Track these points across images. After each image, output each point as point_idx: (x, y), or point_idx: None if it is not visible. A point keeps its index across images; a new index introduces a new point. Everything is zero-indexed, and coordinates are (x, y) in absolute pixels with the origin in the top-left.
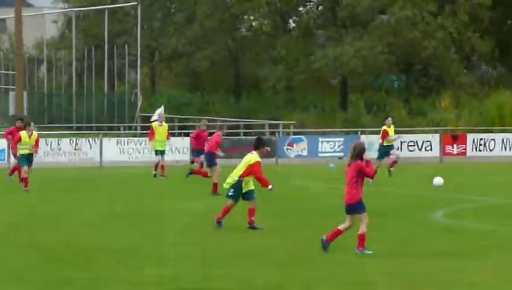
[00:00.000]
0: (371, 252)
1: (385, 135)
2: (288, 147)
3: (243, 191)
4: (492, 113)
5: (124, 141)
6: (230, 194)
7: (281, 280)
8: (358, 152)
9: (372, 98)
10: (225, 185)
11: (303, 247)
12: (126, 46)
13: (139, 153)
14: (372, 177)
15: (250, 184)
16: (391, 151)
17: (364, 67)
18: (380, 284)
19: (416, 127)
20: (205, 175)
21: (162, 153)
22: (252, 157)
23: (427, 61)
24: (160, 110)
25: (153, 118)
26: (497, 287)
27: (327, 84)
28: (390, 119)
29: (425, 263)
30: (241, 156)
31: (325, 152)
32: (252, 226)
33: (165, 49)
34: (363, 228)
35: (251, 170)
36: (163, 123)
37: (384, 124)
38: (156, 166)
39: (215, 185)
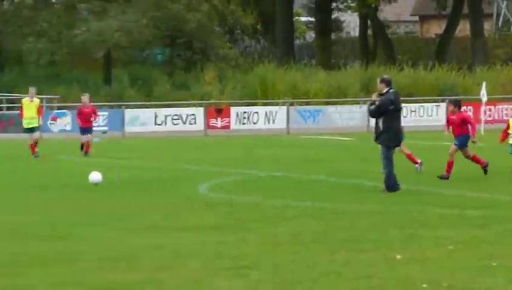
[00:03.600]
0: None
1: None
2: (52, 122)
3: None
4: (256, 87)
5: None
6: None
7: (42, 254)
8: None
9: (136, 72)
10: None
11: (65, 221)
12: None
13: None
14: None
15: None
16: None
17: (129, 41)
18: (145, 258)
19: (181, 101)
20: None
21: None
22: None
23: (191, 34)
24: None
25: None
26: (259, 256)
27: (92, 59)
28: None
29: (190, 236)
30: (3, 132)
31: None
32: None
33: None
34: None
35: None
36: (34, 98)
37: None
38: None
39: None
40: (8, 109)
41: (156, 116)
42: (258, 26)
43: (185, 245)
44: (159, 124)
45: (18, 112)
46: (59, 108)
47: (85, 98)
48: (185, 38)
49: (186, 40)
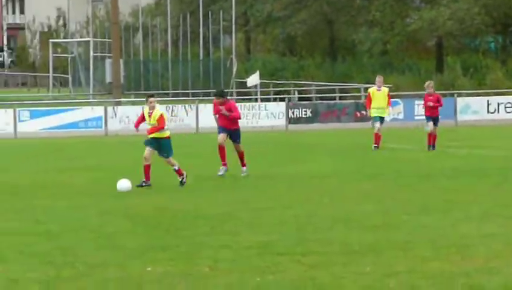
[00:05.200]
0: None
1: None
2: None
3: None
4: None
5: None
6: None
7: (375, 244)
8: None
9: (468, 60)
10: None
11: (398, 210)
12: (221, 12)
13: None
14: None
15: None
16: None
17: (460, 29)
18: (478, 246)
19: None
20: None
21: (380, 119)
22: None
23: None
24: (255, 75)
25: (249, 83)
26: None
27: (423, 47)
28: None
29: None
30: (336, 121)
31: (421, 115)
32: None
33: (260, 14)
34: None
35: None
36: (382, 88)
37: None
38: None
39: None
40: (341, 98)
41: (488, 104)
42: None
43: None
44: (491, 112)
45: (351, 101)
46: (391, 97)
47: (429, 84)
48: None
49: None
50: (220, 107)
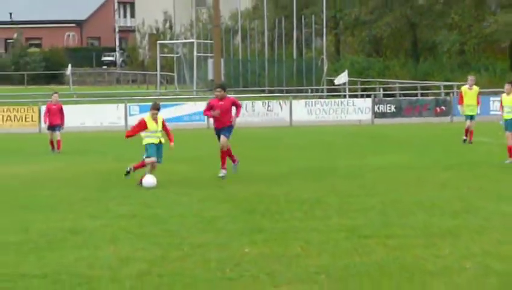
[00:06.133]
0: None
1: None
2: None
3: None
4: None
5: (312, 103)
6: None
7: (453, 228)
8: None
9: None
10: None
11: (474, 197)
12: (313, 16)
13: (326, 113)
14: None
15: None
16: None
17: None
18: None
19: None
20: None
21: (471, 117)
22: None
23: None
24: (344, 74)
25: (336, 81)
26: None
27: (498, 48)
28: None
29: None
30: (419, 115)
31: (495, 110)
32: None
33: (348, 18)
34: None
35: None
36: (473, 87)
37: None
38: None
39: None
40: (422, 95)
41: None
42: None
43: None
44: None
45: (431, 97)
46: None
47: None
48: None
49: None
50: (220, 103)
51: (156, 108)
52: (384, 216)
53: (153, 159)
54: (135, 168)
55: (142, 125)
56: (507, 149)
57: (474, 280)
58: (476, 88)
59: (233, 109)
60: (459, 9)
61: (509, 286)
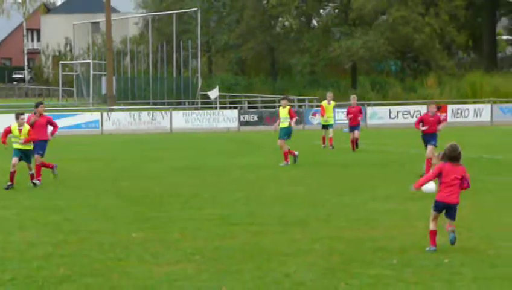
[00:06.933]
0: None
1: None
2: (312, 116)
3: None
4: (467, 89)
5: (189, 113)
6: None
7: (304, 217)
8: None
9: (375, 79)
10: None
11: (321, 191)
12: (189, 41)
13: (200, 122)
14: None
15: None
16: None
17: (370, 55)
18: (381, 220)
19: (409, 100)
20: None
21: (328, 126)
22: None
23: (417, 50)
24: (215, 89)
25: (210, 95)
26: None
27: (341, 69)
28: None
29: (418, 204)
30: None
31: (339, 120)
32: None
33: (219, 43)
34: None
35: None
36: (331, 102)
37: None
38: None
39: None
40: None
41: (390, 112)
42: (469, 43)
43: (412, 211)
44: (392, 118)
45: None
46: (318, 106)
47: (354, 99)
48: (413, 53)
49: (414, 55)
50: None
51: (21, 116)
52: (248, 207)
53: (15, 160)
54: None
55: (5, 132)
56: (283, 154)
57: (321, 259)
58: (333, 103)
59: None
60: (310, 37)
61: (349, 263)
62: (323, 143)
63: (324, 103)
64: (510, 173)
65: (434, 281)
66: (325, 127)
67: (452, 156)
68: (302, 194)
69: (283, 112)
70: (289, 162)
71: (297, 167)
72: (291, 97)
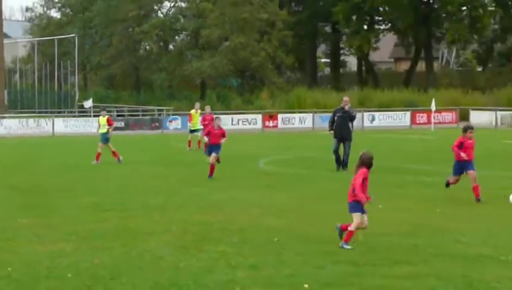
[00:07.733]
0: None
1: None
2: (169, 123)
3: None
4: (294, 102)
5: (68, 120)
6: None
7: (163, 203)
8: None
9: (220, 93)
10: None
11: (175, 183)
12: (68, 61)
13: (77, 127)
14: None
15: None
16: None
17: (216, 73)
18: (225, 207)
19: (247, 110)
20: None
21: (196, 131)
22: None
23: (254, 69)
24: (90, 100)
25: (85, 105)
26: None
27: (193, 84)
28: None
29: (248, 192)
30: (140, 129)
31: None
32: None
33: (93, 62)
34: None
35: None
36: (198, 110)
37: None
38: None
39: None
40: (143, 115)
41: (232, 120)
42: (295, 64)
43: (249, 199)
44: (234, 125)
45: (149, 117)
46: (174, 114)
47: (207, 108)
48: (250, 72)
49: (251, 73)
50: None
51: None
52: (119, 195)
53: None
54: None
55: None
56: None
57: (177, 237)
58: (199, 111)
59: None
60: (167, 59)
61: (200, 241)
62: (189, 146)
63: (192, 111)
64: (322, 167)
65: (266, 255)
66: (193, 131)
67: (367, 163)
68: (159, 185)
69: (103, 120)
70: (99, 162)
71: (159, 164)
72: (152, 107)
